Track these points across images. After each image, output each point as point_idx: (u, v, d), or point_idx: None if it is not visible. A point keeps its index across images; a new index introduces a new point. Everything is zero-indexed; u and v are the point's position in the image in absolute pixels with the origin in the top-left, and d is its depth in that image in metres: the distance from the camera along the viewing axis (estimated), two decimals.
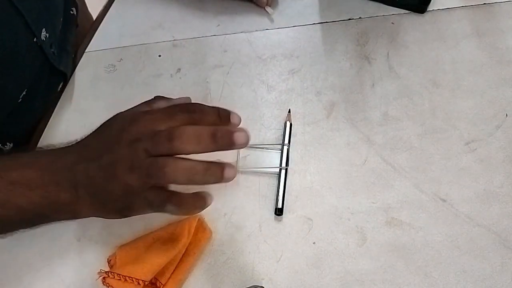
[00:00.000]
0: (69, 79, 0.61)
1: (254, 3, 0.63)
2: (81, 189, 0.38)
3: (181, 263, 0.45)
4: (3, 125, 0.52)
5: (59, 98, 0.60)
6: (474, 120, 0.51)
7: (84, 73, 0.62)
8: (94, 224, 0.48)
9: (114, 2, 0.68)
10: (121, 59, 0.62)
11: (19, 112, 0.53)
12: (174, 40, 0.63)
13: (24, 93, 0.53)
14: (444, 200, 0.47)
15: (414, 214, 0.47)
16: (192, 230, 0.45)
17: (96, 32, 0.65)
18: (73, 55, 0.63)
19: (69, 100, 0.60)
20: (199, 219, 0.47)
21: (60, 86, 0.60)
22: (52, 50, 0.56)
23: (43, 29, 0.53)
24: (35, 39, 0.52)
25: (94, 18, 0.69)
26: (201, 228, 0.47)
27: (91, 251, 0.48)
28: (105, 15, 0.67)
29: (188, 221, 0.46)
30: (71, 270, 0.47)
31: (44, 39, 0.53)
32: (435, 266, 0.44)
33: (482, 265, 0.43)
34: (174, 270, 0.44)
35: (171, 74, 0.60)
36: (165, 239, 0.45)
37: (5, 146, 0.54)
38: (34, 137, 0.57)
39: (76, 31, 0.67)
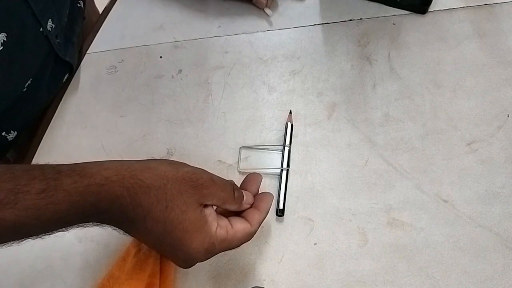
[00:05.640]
0: (75, 71, 0.61)
1: (254, 4, 0.63)
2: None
3: (163, 265, 0.43)
4: (8, 114, 0.52)
5: (65, 90, 0.60)
6: (476, 121, 0.51)
7: (86, 74, 0.62)
8: None
9: (116, 3, 0.68)
10: (122, 60, 0.62)
11: (24, 101, 0.54)
12: (175, 41, 0.63)
13: (29, 82, 0.53)
14: (445, 201, 0.47)
15: (415, 215, 0.47)
16: None
17: (98, 34, 0.66)
18: (79, 47, 0.64)
19: (70, 101, 0.60)
20: None
21: (66, 77, 0.61)
22: (58, 40, 0.57)
23: (49, 20, 0.54)
24: (41, 29, 0.52)
25: (101, 12, 0.69)
26: None
27: (93, 252, 0.48)
28: (106, 16, 0.67)
29: None
30: (73, 271, 0.47)
31: (50, 29, 0.54)
32: (436, 267, 0.44)
33: (483, 266, 0.43)
34: (161, 275, 0.42)
35: (172, 75, 0.60)
36: (135, 252, 0.42)
37: (9, 134, 0.55)
38: (35, 138, 0.57)
39: (83, 23, 0.68)
